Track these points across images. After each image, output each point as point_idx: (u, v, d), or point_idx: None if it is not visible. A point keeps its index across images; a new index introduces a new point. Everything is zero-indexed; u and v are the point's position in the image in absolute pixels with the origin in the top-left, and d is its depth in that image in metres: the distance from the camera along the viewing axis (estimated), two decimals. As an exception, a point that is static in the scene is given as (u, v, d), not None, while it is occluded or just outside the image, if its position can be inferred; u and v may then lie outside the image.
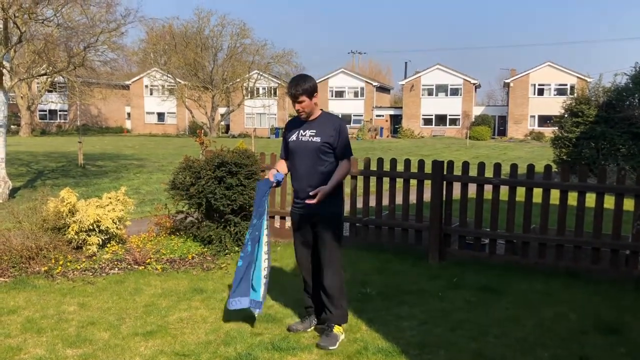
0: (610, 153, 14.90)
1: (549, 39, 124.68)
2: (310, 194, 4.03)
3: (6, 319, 4.56)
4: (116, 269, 6.01)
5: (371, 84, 58.02)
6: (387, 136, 54.85)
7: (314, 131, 4.18)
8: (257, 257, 4.36)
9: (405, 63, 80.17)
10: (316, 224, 4.22)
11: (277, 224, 7.60)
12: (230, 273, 5.94)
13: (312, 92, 4.14)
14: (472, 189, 6.66)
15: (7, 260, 5.81)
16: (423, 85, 54.81)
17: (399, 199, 7.04)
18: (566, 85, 49.83)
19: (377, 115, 57.35)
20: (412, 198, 6.96)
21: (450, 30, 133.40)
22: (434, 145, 36.44)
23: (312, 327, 4.43)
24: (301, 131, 4.24)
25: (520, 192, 6.50)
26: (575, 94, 17.15)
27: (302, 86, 4.11)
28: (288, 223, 7.55)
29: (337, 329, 4.19)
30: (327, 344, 4.05)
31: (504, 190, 6.48)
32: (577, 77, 48.81)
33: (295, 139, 4.26)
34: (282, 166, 4.40)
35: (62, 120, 60.10)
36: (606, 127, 15.02)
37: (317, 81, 4.29)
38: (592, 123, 15.28)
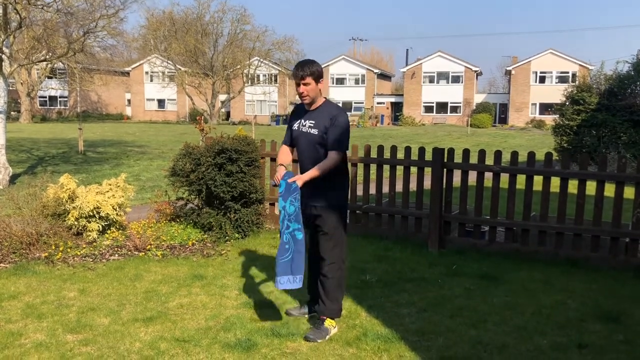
0: (611, 141, 14.87)
1: (551, 26, 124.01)
2: (288, 180, 3.91)
3: (7, 304, 4.58)
4: (116, 255, 6.02)
5: (372, 71, 57.79)
6: (388, 124, 54.75)
7: (313, 122, 4.07)
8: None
9: (407, 50, 79.98)
10: (317, 216, 4.11)
11: (276, 211, 7.59)
12: (230, 259, 5.96)
13: (318, 76, 4.01)
14: (472, 176, 6.65)
15: (7, 246, 5.83)
16: (424, 73, 54.58)
17: (399, 187, 7.04)
18: (568, 72, 49.65)
19: (378, 103, 57.18)
20: (412, 186, 6.96)
21: (452, 18, 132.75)
22: (435, 133, 36.37)
23: (305, 316, 4.39)
24: (302, 120, 4.15)
25: (521, 179, 6.49)
26: (577, 82, 17.08)
27: (310, 68, 3.98)
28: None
29: (328, 323, 4.07)
30: (315, 337, 3.94)
31: (504, 178, 6.47)
32: (579, 65, 48.63)
33: (296, 128, 4.18)
34: (285, 156, 4.23)
35: (62, 107, 59.97)
36: (607, 115, 14.98)
37: (317, 68, 4.19)
38: (593, 111, 15.23)
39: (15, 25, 11.89)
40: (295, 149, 4.31)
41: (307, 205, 4.11)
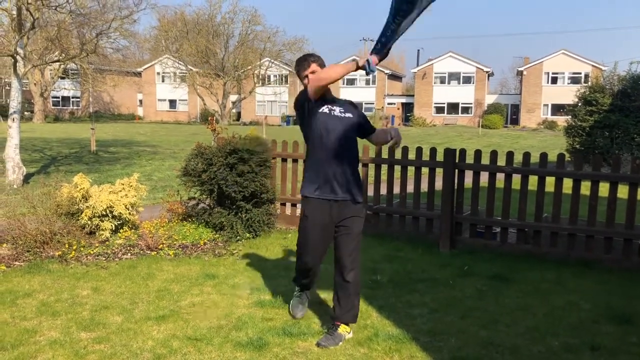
0: (625, 142, 14.74)
1: (563, 26, 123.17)
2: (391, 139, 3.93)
3: (22, 302, 4.63)
4: (129, 254, 6.07)
5: (383, 71, 57.66)
6: (399, 124, 54.62)
7: (342, 108, 3.98)
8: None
9: (418, 51, 79.84)
10: (347, 215, 3.90)
11: (288, 211, 7.62)
12: (241, 259, 5.98)
13: (321, 63, 4.13)
14: (484, 177, 6.63)
15: (22, 245, 5.89)
16: (435, 73, 54.43)
17: (410, 187, 7.03)
18: (580, 73, 49.30)
19: (388, 104, 57.09)
20: (424, 186, 6.95)
21: (463, 18, 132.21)
22: (446, 134, 36.26)
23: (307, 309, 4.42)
24: (329, 105, 3.94)
25: (533, 180, 6.47)
26: (590, 83, 16.95)
27: (310, 58, 4.11)
28: (299, 210, 7.56)
29: (342, 329, 3.98)
30: (328, 344, 3.85)
31: (516, 178, 6.45)
32: (592, 66, 48.23)
33: (328, 112, 3.90)
34: None
35: (75, 107, 60.44)
36: (620, 115, 14.86)
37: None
38: (606, 112, 15.11)
39: (29, 26, 12.00)
40: (316, 139, 3.93)
41: (342, 200, 3.90)
